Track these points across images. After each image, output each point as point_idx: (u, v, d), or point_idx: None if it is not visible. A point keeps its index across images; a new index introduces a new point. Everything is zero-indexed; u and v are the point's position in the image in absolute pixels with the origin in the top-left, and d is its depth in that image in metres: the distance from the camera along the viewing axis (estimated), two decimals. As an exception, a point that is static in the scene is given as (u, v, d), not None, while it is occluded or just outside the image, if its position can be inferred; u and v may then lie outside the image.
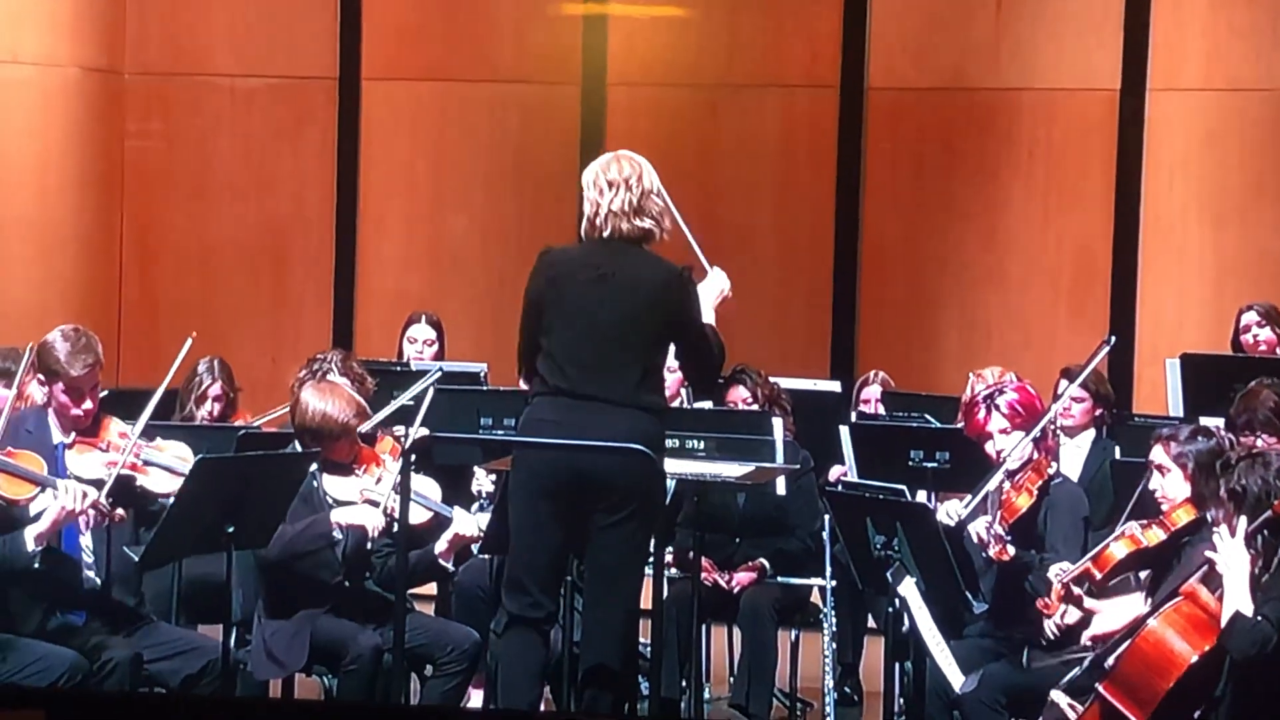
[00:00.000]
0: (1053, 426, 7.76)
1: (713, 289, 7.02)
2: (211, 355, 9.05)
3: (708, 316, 6.93)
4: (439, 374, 8.06)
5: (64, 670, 6.70)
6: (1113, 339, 8.36)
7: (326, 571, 7.41)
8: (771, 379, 9.23)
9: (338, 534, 7.37)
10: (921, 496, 7.78)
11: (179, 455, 7.18)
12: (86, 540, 7.04)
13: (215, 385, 8.98)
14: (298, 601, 7.39)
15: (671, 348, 6.91)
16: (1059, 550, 7.13)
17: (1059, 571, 6.89)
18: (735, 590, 8.68)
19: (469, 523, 7.57)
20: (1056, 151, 12.09)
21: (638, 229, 6.73)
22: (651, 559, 7.04)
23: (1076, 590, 6.81)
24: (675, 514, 8.26)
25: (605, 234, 6.72)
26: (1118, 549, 6.81)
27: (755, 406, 8.95)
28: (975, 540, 7.13)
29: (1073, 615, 6.89)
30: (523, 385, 7.04)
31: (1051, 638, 6.96)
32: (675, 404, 9.67)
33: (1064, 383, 8.86)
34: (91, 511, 6.81)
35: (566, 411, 6.63)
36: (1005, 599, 7.16)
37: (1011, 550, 7.07)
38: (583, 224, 6.79)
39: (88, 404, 7.07)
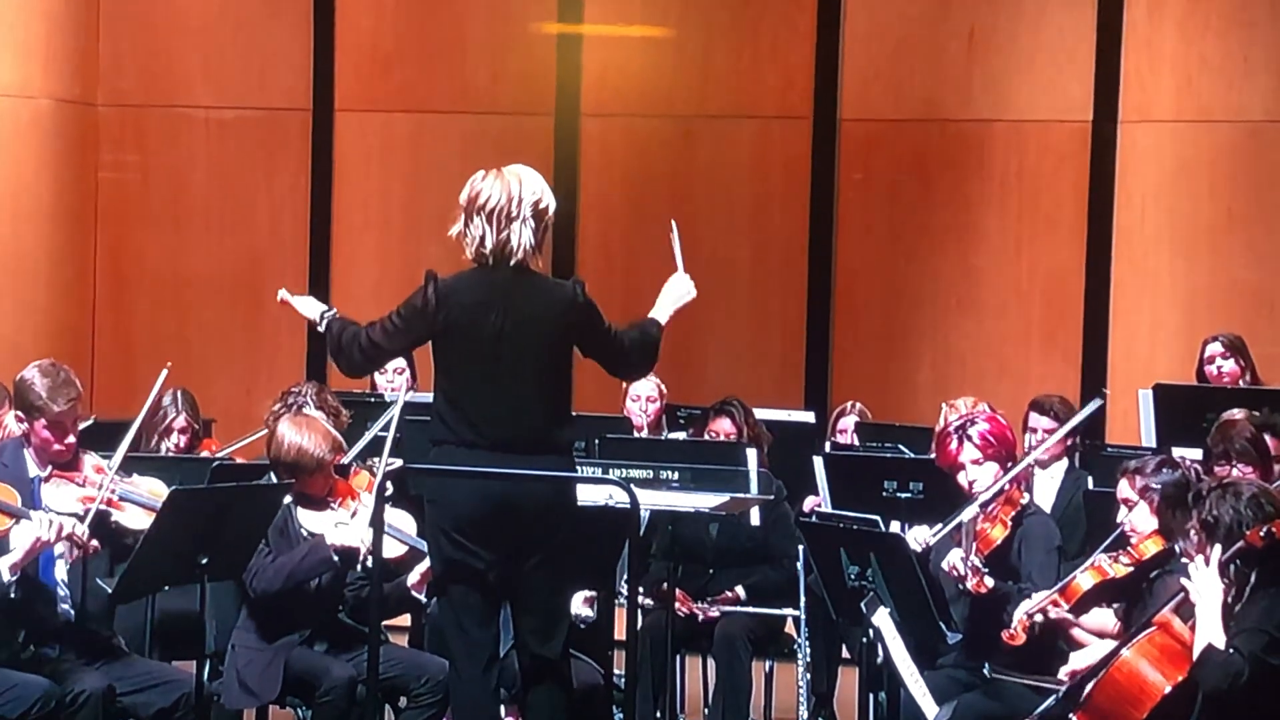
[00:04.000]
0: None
1: (679, 293, 6.99)
2: (175, 387, 9.04)
3: (664, 316, 6.91)
4: (400, 402, 8.05)
5: (36, 698, 6.67)
6: (1106, 393, 8.44)
7: (308, 600, 7.42)
8: (746, 412, 9.26)
9: (335, 557, 7.36)
10: (895, 527, 7.79)
11: (154, 491, 7.17)
12: (61, 574, 7.02)
13: (180, 417, 8.97)
14: (279, 629, 7.38)
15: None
16: (1035, 581, 7.14)
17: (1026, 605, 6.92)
18: (716, 617, 8.67)
19: (442, 555, 7.56)
20: (1029, 182, 12.13)
21: (470, 251, 6.63)
22: (626, 589, 7.04)
23: (1043, 618, 6.84)
24: (649, 545, 8.28)
25: (489, 262, 6.62)
26: (1085, 580, 6.84)
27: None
28: (951, 572, 7.14)
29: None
30: (349, 370, 6.92)
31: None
32: (649, 435, 9.72)
33: (1034, 415, 8.88)
34: (66, 544, 6.79)
35: (485, 463, 6.56)
36: (979, 629, 7.16)
37: (990, 582, 7.08)
38: (467, 247, 6.66)
39: (70, 439, 7.06)
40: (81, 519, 6.86)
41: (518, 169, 6.71)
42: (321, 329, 6.87)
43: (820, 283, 12.34)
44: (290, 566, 7.31)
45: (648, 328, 6.87)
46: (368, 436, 8.18)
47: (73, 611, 7.05)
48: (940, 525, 7.26)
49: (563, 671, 6.76)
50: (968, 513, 7.20)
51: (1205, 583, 6.22)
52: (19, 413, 7.03)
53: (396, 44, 12.67)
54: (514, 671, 7.00)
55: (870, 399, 10.37)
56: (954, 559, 7.13)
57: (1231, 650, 6.11)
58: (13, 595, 6.80)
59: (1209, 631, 6.15)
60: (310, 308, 6.95)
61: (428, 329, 6.66)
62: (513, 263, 6.61)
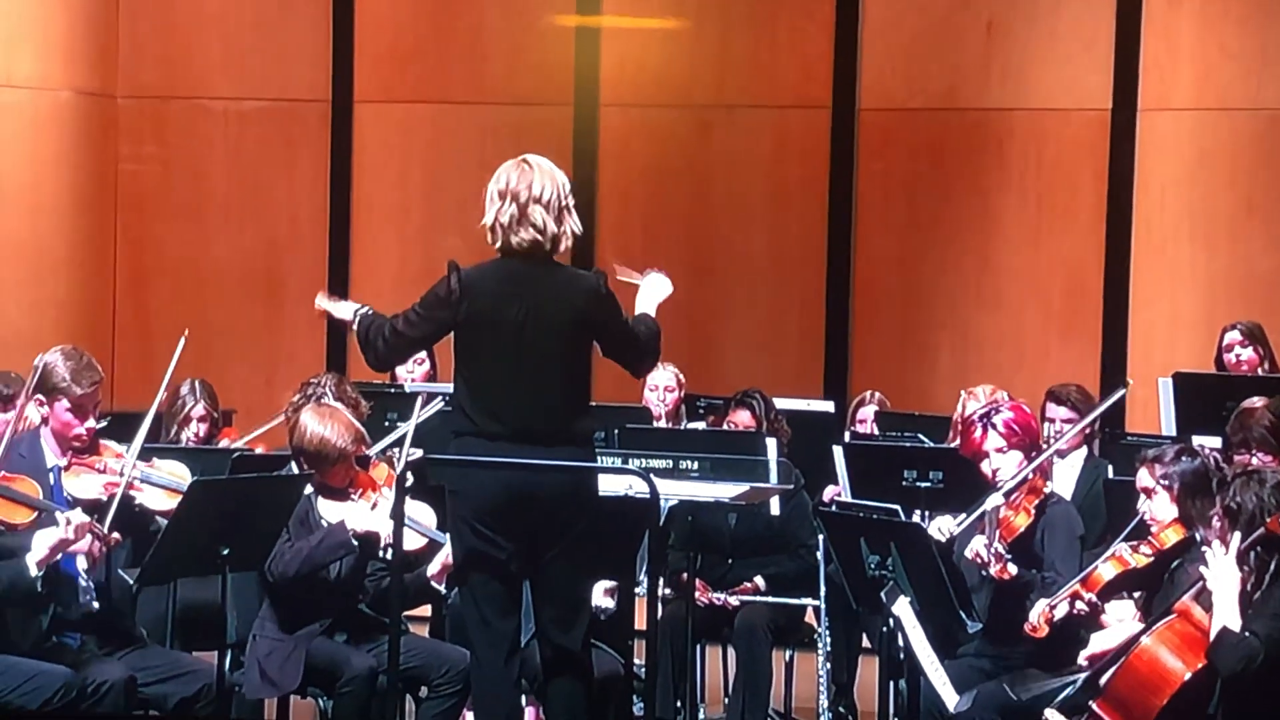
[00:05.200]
0: (1046, 447, 7.77)
1: (659, 293, 7.02)
2: (194, 377, 9.06)
3: (652, 310, 6.95)
4: (444, 399, 8.05)
5: (58, 687, 6.69)
6: (1130, 382, 8.47)
7: (328, 590, 7.43)
8: (767, 404, 9.26)
9: (354, 541, 7.38)
10: (915, 516, 7.79)
11: (175, 473, 7.19)
12: (84, 564, 7.03)
13: (198, 406, 9.00)
14: (300, 619, 7.40)
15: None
16: (1058, 569, 7.15)
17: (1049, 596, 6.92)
18: (736, 607, 8.68)
19: (462, 546, 7.57)
20: (1048, 171, 12.11)
21: (526, 241, 6.64)
22: (646, 580, 7.06)
23: (1065, 610, 6.84)
24: (668, 535, 8.29)
25: (499, 245, 6.66)
26: (1106, 570, 6.84)
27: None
28: (974, 559, 7.14)
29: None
30: (375, 361, 6.96)
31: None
32: (667, 424, 9.72)
33: (1050, 405, 8.87)
34: (89, 537, 6.80)
35: (507, 455, 6.58)
36: (1002, 617, 7.16)
37: (1013, 569, 7.08)
38: (513, 235, 6.66)
39: (91, 422, 7.07)
40: (104, 508, 6.88)
41: (541, 159, 6.74)
42: (355, 327, 6.91)
43: (839, 272, 12.34)
44: (309, 550, 7.32)
45: (648, 321, 6.90)
46: (397, 434, 8.20)
47: (96, 603, 7.06)
48: (964, 514, 7.27)
49: (583, 663, 6.78)
50: (991, 501, 7.20)
51: (1221, 568, 6.22)
52: (40, 396, 7.04)
53: (415, 35, 12.67)
54: (535, 663, 7.02)
55: (889, 388, 10.37)
56: (977, 545, 7.14)
57: (1247, 633, 6.11)
58: (39, 589, 6.82)
59: (1225, 615, 6.16)
60: (345, 310, 6.99)
61: (451, 319, 6.68)
62: (561, 249, 6.66)
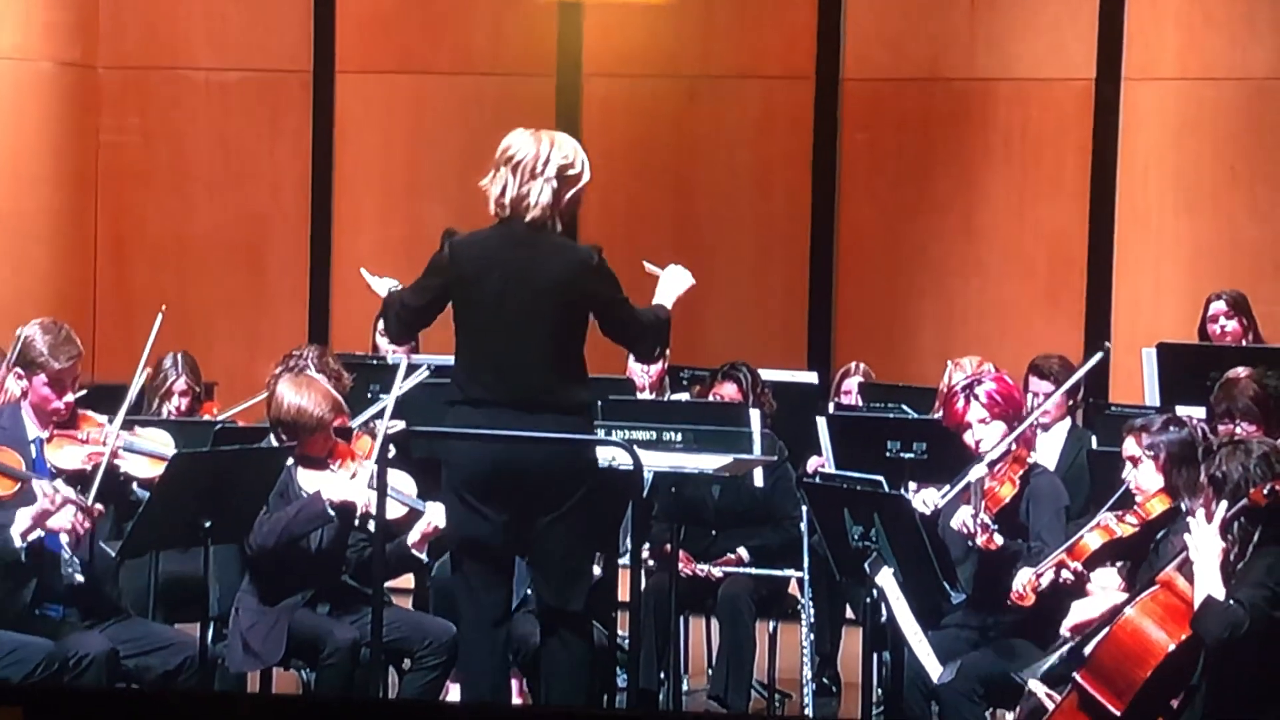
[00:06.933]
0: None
1: (678, 285, 6.99)
2: (176, 350, 9.03)
3: (668, 302, 6.93)
4: (427, 370, 8.05)
5: (39, 660, 6.68)
6: (1108, 345, 8.46)
7: (310, 561, 7.41)
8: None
9: (330, 511, 7.36)
10: (911, 489, 7.78)
11: (159, 440, 7.17)
12: (67, 537, 7.00)
13: (180, 380, 8.96)
14: (282, 591, 7.38)
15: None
16: (1044, 539, 7.15)
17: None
18: (720, 578, 8.67)
19: (441, 514, 7.55)
20: (1032, 141, 12.09)
21: (530, 210, 6.64)
22: (629, 551, 7.05)
23: (1051, 578, 6.84)
24: (651, 506, 8.28)
25: (505, 215, 6.66)
26: (1092, 540, 6.84)
27: (743, 404, 8.95)
28: (960, 530, 7.13)
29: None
30: (384, 337, 7.01)
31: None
32: (651, 395, 9.71)
33: (1033, 379, 8.87)
34: (72, 509, 6.77)
35: (491, 421, 6.59)
36: (987, 588, 7.16)
37: (999, 539, 7.08)
38: (490, 200, 6.69)
39: (69, 397, 7.05)
40: (88, 479, 6.86)
41: (558, 134, 6.74)
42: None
43: (823, 243, 12.32)
44: (286, 520, 7.32)
45: (657, 311, 6.88)
46: (379, 405, 8.18)
47: (79, 576, 7.04)
48: (948, 487, 7.26)
49: (581, 625, 6.75)
50: (975, 472, 7.20)
51: (1203, 537, 6.22)
52: (18, 370, 7.02)
53: (397, 5, 12.62)
54: (522, 635, 7.00)
55: (873, 359, 10.36)
56: (963, 516, 7.13)
57: (1232, 601, 6.11)
58: (23, 560, 6.80)
59: (1208, 584, 6.16)
60: (382, 286, 7.06)
61: (443, 284, 6.70)
62: (528, 219, 6.62)
